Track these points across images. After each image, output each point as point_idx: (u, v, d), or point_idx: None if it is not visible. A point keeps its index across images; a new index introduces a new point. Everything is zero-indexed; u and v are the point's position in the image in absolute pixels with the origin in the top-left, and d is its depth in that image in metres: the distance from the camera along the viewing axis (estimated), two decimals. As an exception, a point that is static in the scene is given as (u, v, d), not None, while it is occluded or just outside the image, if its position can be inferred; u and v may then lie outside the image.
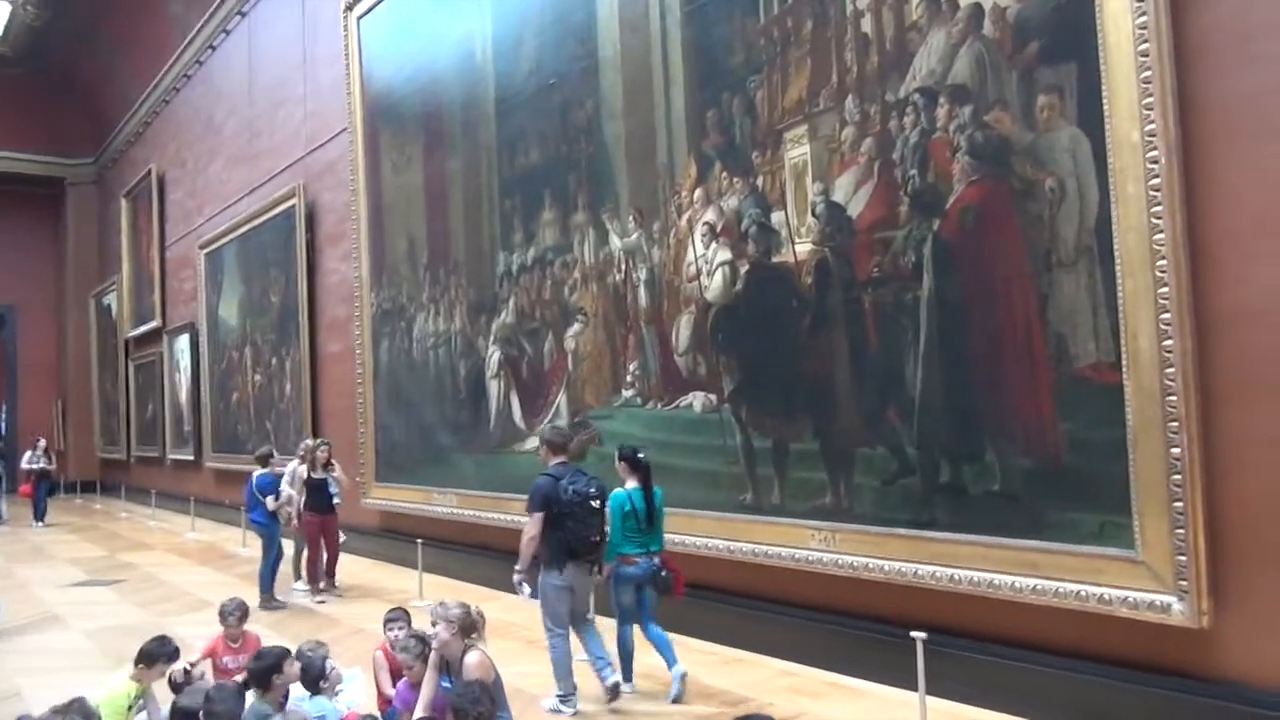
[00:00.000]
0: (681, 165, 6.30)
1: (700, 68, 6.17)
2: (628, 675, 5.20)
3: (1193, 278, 3.92)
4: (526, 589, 5.00)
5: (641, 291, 6.64)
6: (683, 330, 6.31)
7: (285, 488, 8.24)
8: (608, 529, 5.12)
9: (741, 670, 5.54)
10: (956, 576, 4.66)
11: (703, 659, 5.73)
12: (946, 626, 4.64)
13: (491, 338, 8.20)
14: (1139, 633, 4.05)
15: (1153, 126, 3.94)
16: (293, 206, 11.98)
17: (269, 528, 8.01)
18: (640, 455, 5.32)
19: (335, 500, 8.11)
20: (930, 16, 4.84)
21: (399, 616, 4.85)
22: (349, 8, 10.23)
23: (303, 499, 8.05)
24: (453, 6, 8.61)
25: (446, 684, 4.04)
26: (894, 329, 5.02)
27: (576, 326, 7.25)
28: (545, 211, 7.54)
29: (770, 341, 5.68)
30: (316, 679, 4.17)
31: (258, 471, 8.32)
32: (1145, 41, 3.95)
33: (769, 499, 5.70)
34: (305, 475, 8.04)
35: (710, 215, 6.09)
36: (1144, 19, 3.96)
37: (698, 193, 6.18)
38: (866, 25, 5.15)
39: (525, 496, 7.35)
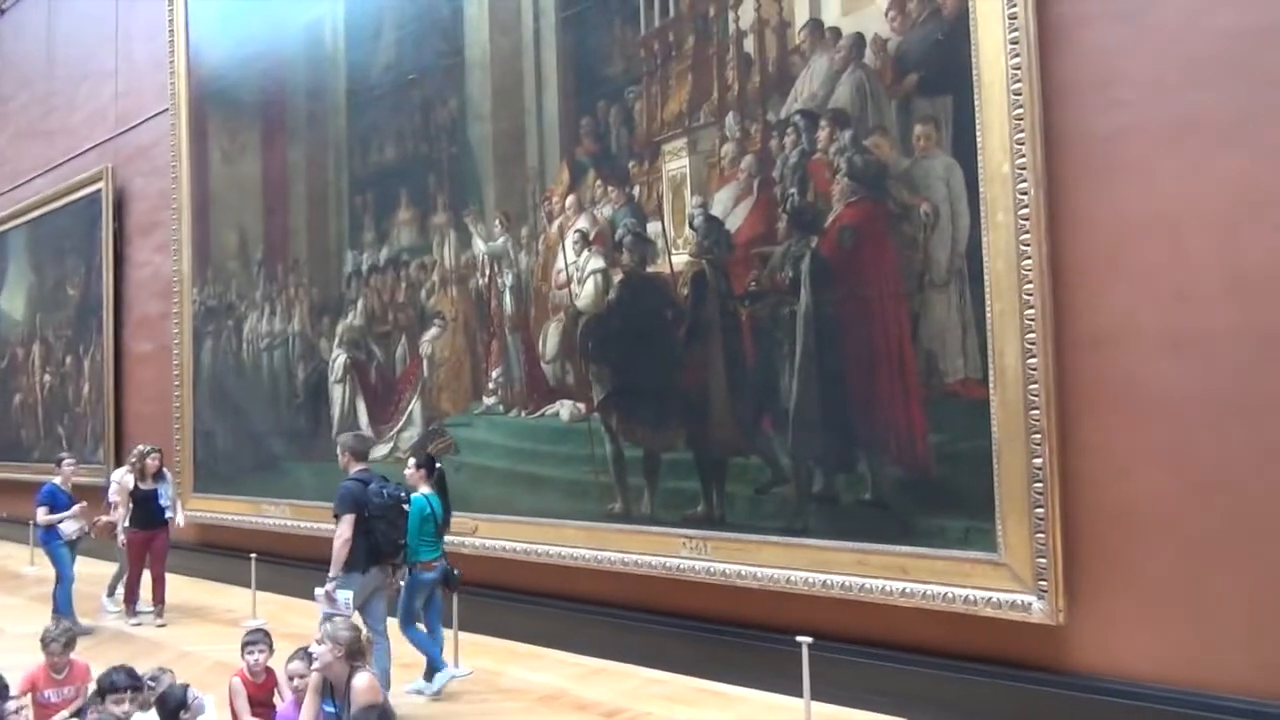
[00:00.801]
0: (553, 171, 6.23)
1: (575, 74, 6.14)
2: (442, 665, 5.34)
3: (1055, 302, 4.25)
4: (341, 596, 4.81)
5: (507, 297, 6.51)
6: (550, 337, 6.23)
7: (112, 497, 7.55)
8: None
9: (611, 680, 5.51)
10: (830, 582, 4.83)
11: (571, 670, 5.67)
12: (820, 631, 4.77)
13: (336, 340, 7.81)
14: (1002, 631, 4.34)
15: (1023, 160, 4.25)
16: (98, 191, 10.96)
17: (49, 544, 7.23)
18: (436, 463, 5.67)
19: (168, 514, 7.41)
20: (813, 42, 5.02)
21: (259, 639, 4.50)
22: (175, -18, 9.51)
23: (129, 512, 7.33)
24: (299, -9, 8.17)
25: (330, 708, 3.79)
26: (770, 342, 5.16)
27: (434, 331, 7.01)
28: (401, 211, 7.26)
29: (643, 351, 5.71)
30: (176, 710, 3.81)
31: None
32: (1018, 81, 4.26)
33: (639, 508, 5.72)
34: (132, 486, 7.33)
35: (583, 223, 6.05)
36: (1017, 60, 4.26)
37: (570, 199, 6.13)
38: (749, 46, 5.28)
39: (371, 507, 7.18)
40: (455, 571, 5.46)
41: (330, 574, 4.90)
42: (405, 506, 5.20)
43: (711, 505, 5.38)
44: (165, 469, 7.56)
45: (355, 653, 3.82)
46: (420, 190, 7.13)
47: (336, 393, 7.82)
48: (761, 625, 5.15)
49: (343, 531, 4.93)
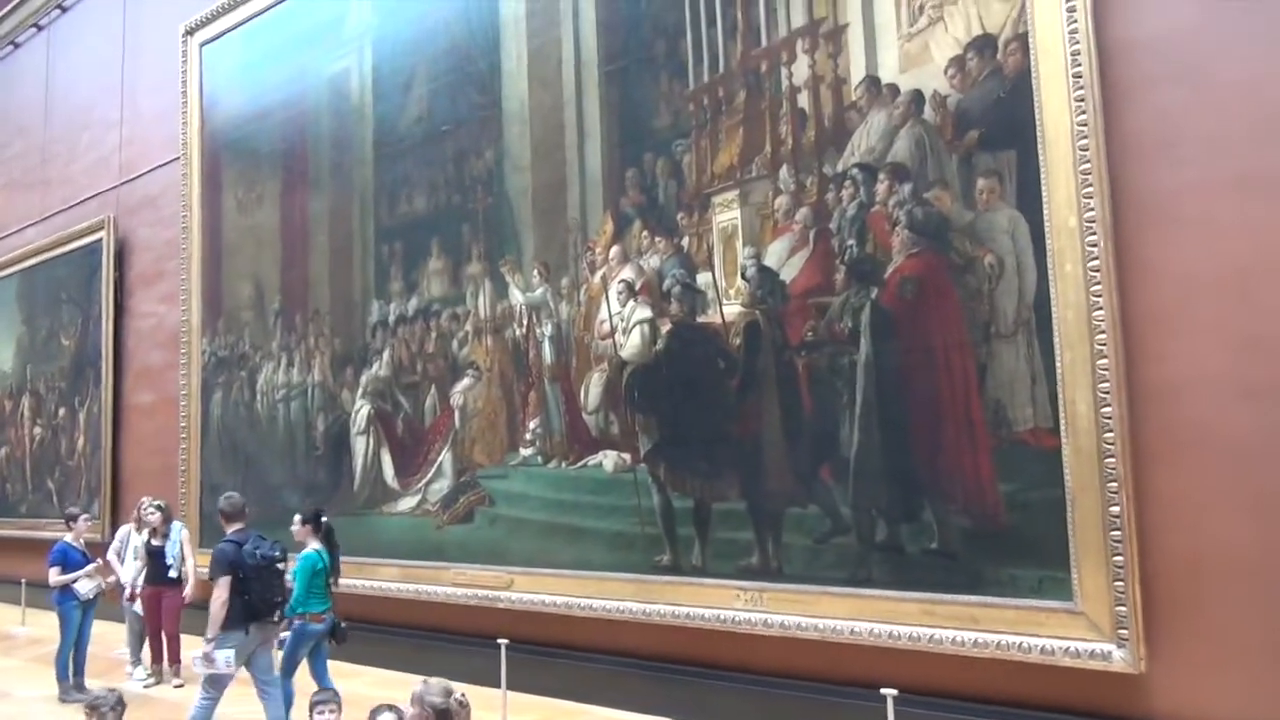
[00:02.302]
0: (596, 222, 6.27)
1: (620, 127, 6.21)
2: None
3: (1126, 351, 4.32)
4: (220, 657, 5.10)
5: (546, 347, 6.49)
6: (593, 388, 6.21)
7: (112, 557, 7.34)
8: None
9: (665, 736, 5.42)
10: (896, 633, 4.81)
11: (620, 727, 5.57)
12: (884, 683, 4.74)
13: (360, 391, 7.71)
14: (1081, 680, 4.33)
15: (1091, 214, 4.35)
16: (99, 241, 10.82)
17: (63, 605, 6.99)
18: (323, 518, 5.96)
19: (171, 572, 7.18)
20: (870, 98, 5.13)
21: (329, 699, 4.39)
22: (190, 32, 9.53)
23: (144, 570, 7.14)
24: (325, 43, 8.22)
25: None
26: (829, 391, 5.18)
27: (467, 381, 6.96)
28: (433, 261, 7.25)
29: (693, 401, 5.70)
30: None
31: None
32: (1084, 138, 4.38)
33: (689, 559, 5.66)
34: (147, 541, 7.13)
35: (628, 273, 6.08)
36: (1083, 117, 4.39)
37: (614, 250, 6.16)
38: (803, 101, 5.38)
39: (396, 561, 7.10)
40: (342, 625, 5.76)
41: (207, 635, 5.20)
42: (280, 565, 5.43)
43: (767, 556, 5.34)
44: (176, 523, 7.36)
45: (443, 715, 3.69)
46: (453, 240, 7.13)
47: (359, 444, 7.71)
48: (820, 678, 5.10)
49: (219, 594, 5.20)
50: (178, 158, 9.72)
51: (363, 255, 7.83)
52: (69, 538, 7.32)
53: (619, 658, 5.89)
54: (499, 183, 6.86)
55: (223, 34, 9.26)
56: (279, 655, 5.69)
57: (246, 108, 8.96)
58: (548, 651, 6.17)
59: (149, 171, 10.42)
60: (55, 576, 7.00)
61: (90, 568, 7.07)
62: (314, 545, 5.84)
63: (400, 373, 7.47)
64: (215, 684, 5.26)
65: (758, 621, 5.30)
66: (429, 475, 7.15)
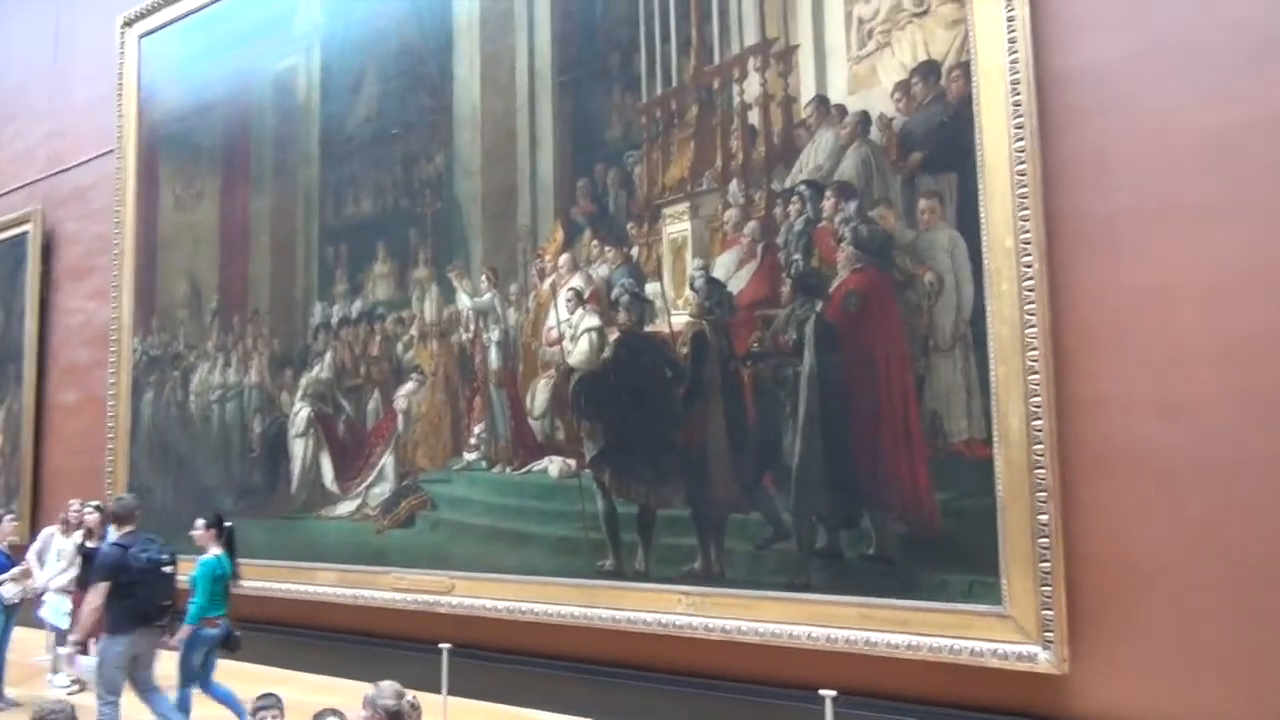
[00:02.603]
0: (547, 229, 6.33)
1: (572, 136, 6.28)
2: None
3: (1056, 367, 4.54)
4: (81, 661, 5.29)
5: (493, 352, 6.52)
6: (540, 394, 6.25)
7: (32, 559, 7.12)
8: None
9: (605, 740, 5.48)
10: (834, 636, 4.95)
11: (562, 730, 5.61)
12: (822, 684, 4.88)
13: (300, 393, 7.63)
14: (1007, 681, 4.51)
15: (1027, 235, 4.56)
16: (23, 234, 10.49)
17: None
18: (226, 523, 6.12)
19: None
20: (819, 118, 5.30)
21: (272, 703, 4.35)
22: (129, 24, 9.33)
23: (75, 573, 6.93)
24: (270, 40, 8.13)
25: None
26: (773, 401, 5.31)
27: (411, 385, 6.94)
28: (378, 264, 7.22)
29: (640, 408, 5.79)
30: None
31: None
32: (1022, 163, 4.59)
33: (632, 564, 5.73)
34: (81, 543, 6.93)
35: (577, 281, 6.15)
36: (1021, 144, 4.61)
37: (563, 258, 6.22)
38: (754, 117, 5.52)
39: (335, 565, 7.04)
40: (236, 633, 5.88)
41: (73, 638, 5.41)
42: (167, 569, 5.53)
43: (710, 561, 5.45)
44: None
45: (395, 717, 3.71)
46: (400, 244, 7.11)
47: (298, 447, 7.61)
48: (760, 680, 5.22)
49: (92, 599, 5.26)
50: (112, 150, 9.49)
51: (306, 256, 7.76)
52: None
53: (561, 662, 5.94)
54: (448, 187, 6.87)
55: (162, 26, 9.09)
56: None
57: (187, 102, 8.81)
58: (489, 656, 6.18)
59: (80, 164, 10.14)
60: None
61: (16, 570, 6.85)
62: (215, 550, 5.97)
63: (342, 375, 7.41)
64: (109, 689, 5.27)
65: (699, 626, 5.39)
66: (370, 479, 7.10)
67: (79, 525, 7.16)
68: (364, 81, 7.45)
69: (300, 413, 7.62)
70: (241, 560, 7.71)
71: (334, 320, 7.49)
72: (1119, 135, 4.52)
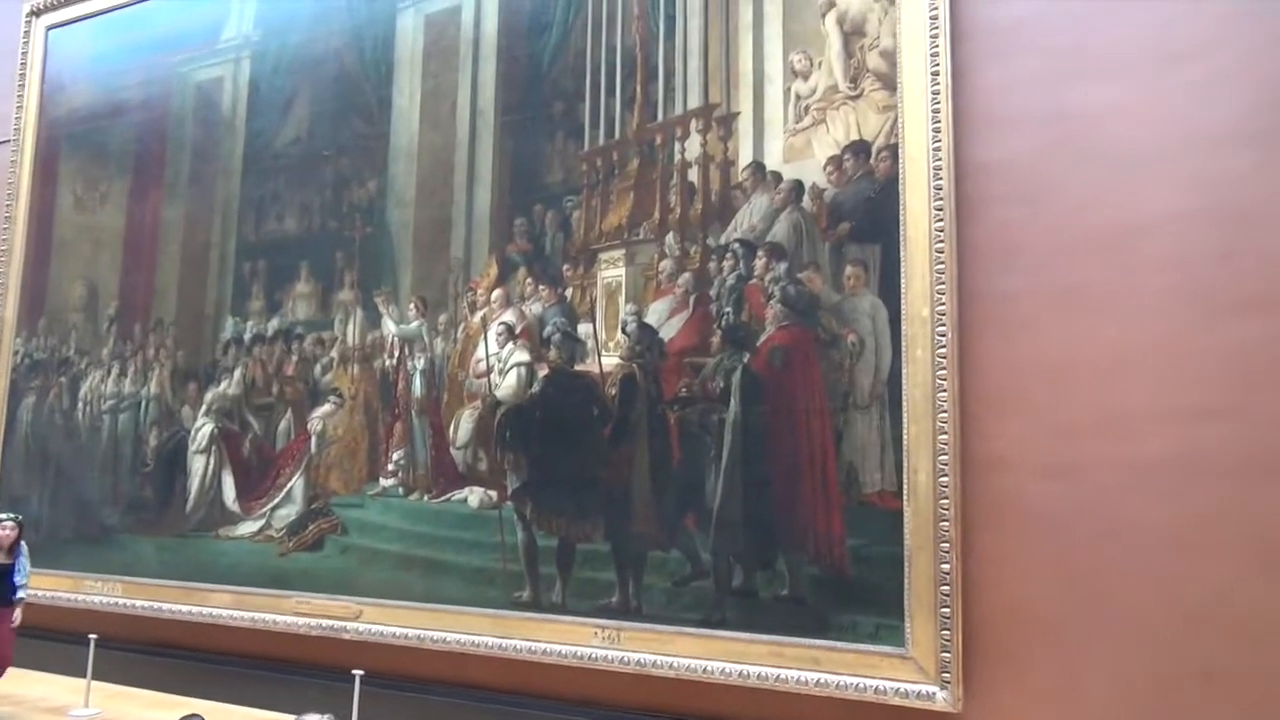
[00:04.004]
0: (481, 263, 6.46)
1: (512, 175, 6.45)
2: None
3: (962, 429, 4.98)
4: None
5: (417, 380, 6.57)
6: (464, 424, 6.34)
7: None
8: None
9: (516, 769, 5.56)
10: (746, 672, 5.21)
11: (473, 760, 5.66)
12: (734, 718, 5.14)
13: (204, 408, 7.44)
14: (906, 718, 4.88)
15: (942, 308, 5.01)
16: (-109, 220, 9.83)
17: None
18: None
19: (22, 593, 6.62)
20: (755, 182, 5.65)
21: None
22: (36, 14, 8.97)
23: None
24: (195, 49, 7.98)
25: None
26: (698, 445, 5.58)
27: (328, 407, 6.90)
28: (300, 283, 7.16)
29: (565, 444, 5.96)
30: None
31: None
32: (941, 241, 5.04)
33: (549, 597, 5.87)
34: None
35: (509, 316, 6.29)
36: (940, 224, 5.06)
37: (496, 293, 6.36)
38: (693, 175, 5.83)
39: (232, 587, 6.91)
40: None
41: None
42: None
43: (627, 596, 5.64)
44: (22, 539, 6.79)
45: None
46: (325, 265, 7.09)
47: (198, 463, 7.42)
48: (674, 713, 5.43)
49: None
50: (6, 142, 9.06)
51: (220, 269, 7.61)
52: None
53: (475, 691, 5.99)
54: (380, 214, 6.91)
55: (74, 21, 8.78)
56: None
57: (97, 101, 8.52)
58: (400, 684, 6.17)
59: (-36, 153, 9.62)
60: None
61: None
62: None
63: (252, 393, 7.29)
64: None
65: (614, 659, 5.57)
66: (276, 499, 6.99)
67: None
68: (296, 102, 7.42)
69: (203, 428, 7.43)
70: (125, 578, 7.52)
71: (247, 336, 7.37)
72: (1027, 224, 5.02)
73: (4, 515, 6.72)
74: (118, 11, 8.50)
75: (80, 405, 8.12)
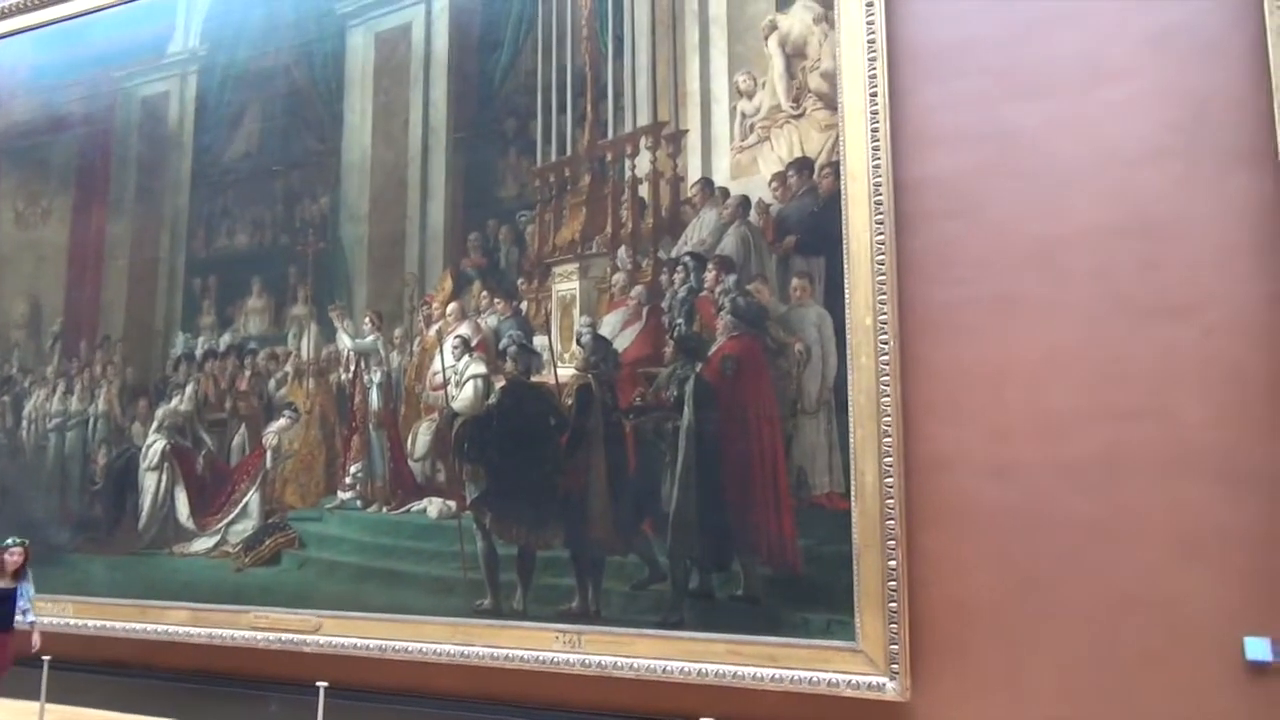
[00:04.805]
0: (435, 278, 6.56)
1: (465, 191, 6.57)
2: None
3: (905, 432, 5.23)
4: None
5: (374, 393, 6.65)
6: (421, 436, 6.44)
7: None
8: None
9: (480, 774, 5.67)
10: (705, 670, 5.39)
11: (438, 767, 5.75)
12: (694, 715, 5.31)
13: (155, 425, 7.41)
14: (858, 709, 5.10)
15: (884, 317, 5.25)
16: None
17: None
18: None
19: (29, 618, 6.48)
20: (703, 197, 5.85)
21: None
22: (-29, 26, 8.84)
23: None
24: (139, 64, 7.95)
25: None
26: (653, 452, 5.76)
27: (283, 422, 6.93)
28: (252, 298, 7.19)
29: (523, 454, 6.09)
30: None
31: None
32: (881, 253, 5.29)
33: (510, 604, 5.99)
34: None
35: (465, 329, 6.40)
36: (881, 237, 5.31)
37: (451, 306, 6.47)
38: (644, 191, 6.01)
39: (187, 604, 6.90)
40: None
41: None
42: None
43: (587, 601, 5.79)
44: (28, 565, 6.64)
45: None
46: (277, 280, 7.12)
47: (150, 480, 7.38)
48: (635, 713, 5.58)
49: None
50: (-61, 157, 8.89)
51: (169, 285, 7.59)
52: None
53: (436, 699, 6.08)
54: (333, 229, 6.97)
55: (11, 34, 8.67)
56: None
57: (36, 115, 8.42)
58: (361, 695, 6.23)
59: (-105, 167, 9.41)
60: None
61: None
62: None
63: (205, 409, 7.28)
64: None
65: (576, 662, 5.72)
66: (231, 515, 7.00)
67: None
68: (245, 117, 7.44)
69: (154, 445, 7.40)
70: (76, 598, 7.44)
71: (198, 352, 7.36)
72: (963, 236, 5.30)
73: (12, 540, 6.59)
74: (57, 25, 8.41)
75: (25, 424, 8.02)
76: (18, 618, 6.54)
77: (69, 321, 7.99)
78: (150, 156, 7.84)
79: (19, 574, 6.61)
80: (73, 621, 7.38)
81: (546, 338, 6.17)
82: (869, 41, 5.45)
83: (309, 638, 6.48)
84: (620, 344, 5.95)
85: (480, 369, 6.29)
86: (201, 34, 7.73)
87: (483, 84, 6.60)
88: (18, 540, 6.68)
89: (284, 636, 6.57)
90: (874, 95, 5.41)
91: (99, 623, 7.27)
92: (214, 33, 7.67)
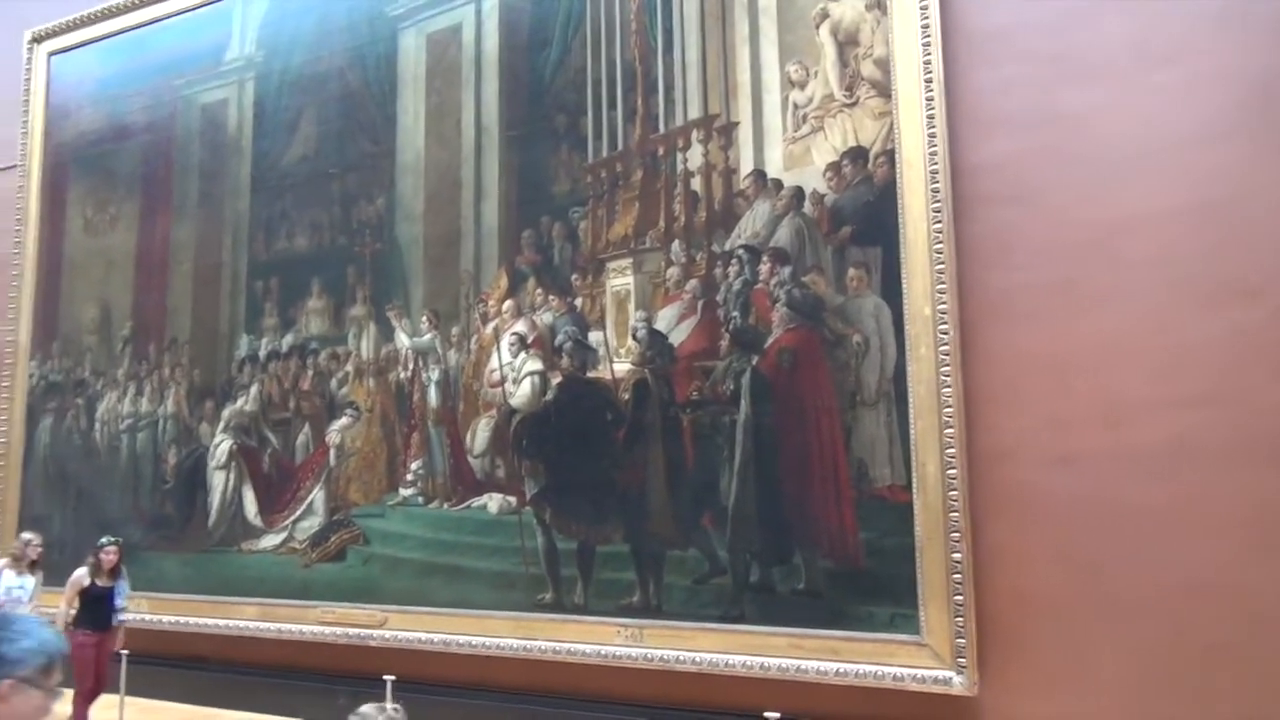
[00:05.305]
0: (490, 275, 6.62)
1: (518, 189, 6.61)
2: None
3: (967, 423, 5.16)
4: None
5: (432, 391, 6.74)
6: (480, 433, 6.51)
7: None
8: None
9: (545, 766, 5.74)
10: (767, 664, 5.39)
11: (503, 758, 5.84)
12: (757, 710, 5.32)
13: (222, 425, 7.60)
14: (923, 703, 5.06)
15: (943, 306, 5.18)
16: (-101, 248, 9.95)
17: None
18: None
19: (120, 617, 6.73)
20: (757, 189, 5.82)
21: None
22: (38, 40, 9.09)
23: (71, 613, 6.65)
24: (198, 72, 8.12)
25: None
26: (710, 446, 5.76)
27: (345, 420, 7.06)
28: (313, 299, 7.32)
29: (581, 449, 6.13)
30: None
31: None
32: (939, 242, 5.22)
33: (571, 598, 6.04)
34: (87, 582, 6.66)
35: (521, 327, 6.46)
36: (939, 225, 5.24)
37: (507, 304, 6.53)
38: (696, 184, 6.00)
39: (257, 599, 7.05)
40: None
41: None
42: None
43: (648, 595, 5.82)
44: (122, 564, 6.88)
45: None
46: (337, 281, 7.25)
47: (218, 479, 7.57)
48: (696, 707, 5.61)
49: None
50: (13, 166, 9.18)
51: (233, 288, 7.76)
52: None
53: (499, 693, 6.16)
54: (389, 229, 7.07)
55: (76, 46, 8.90)
56: None
57: (103, 125, 8.65)
58: (424, 689, 6.33)
59: (-31, 180, 9.75)
60: None
61: None
62: None
63: (269, 409, 7.45)
64: None
65: (638, 656, 5.75)
66: (298, 512, 7.15)
67: (35, 560, 6.88)
68: (301, 121, 7.57)
69: (221, 445, 7.59)
70: (151, 594, 7.66)
71: (262, 353, 7.52)
72: (1022, 222, 5.20)
73: (107, 539, 6.84)
74: (120, 36, 8.62)
75: (98, 425, 8.27)
76: (117, 616, 6.76)
77: (138, 325, 8.21)
78: (211, 162, 8.02)
79: (115, 572, 6.83)
80: (149, 617, 7.60)
81: (602, 333, 6.19)
82: (923, 26, 5.37)
83: (375, 632, 6.60)
84: (676, 338, 5.95)
85: (537, 365, 6.34)
86: (257, 41, 7.87)
87: (533, 82, 6.64)
88: (113, 539, 6.90)
89: (350, 631, 6.70)
90: (929, 81, 5.33)
91: (174, 618, 7.49)
92: (269, 39, 7.81)
